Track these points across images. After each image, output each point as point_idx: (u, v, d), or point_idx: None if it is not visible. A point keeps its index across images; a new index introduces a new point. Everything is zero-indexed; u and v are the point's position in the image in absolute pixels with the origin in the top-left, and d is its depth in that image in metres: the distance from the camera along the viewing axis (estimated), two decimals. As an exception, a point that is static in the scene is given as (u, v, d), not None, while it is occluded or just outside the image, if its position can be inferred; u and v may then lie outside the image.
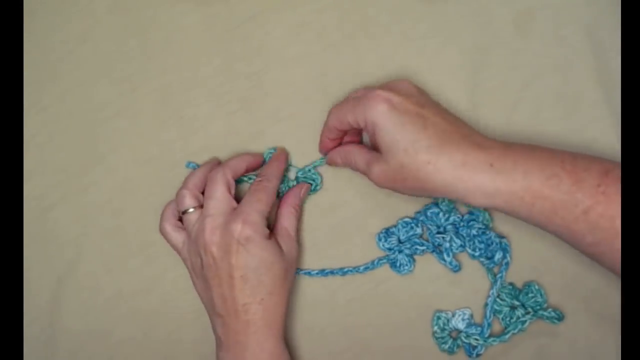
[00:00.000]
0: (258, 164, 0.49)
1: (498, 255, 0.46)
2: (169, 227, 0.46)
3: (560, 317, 0.45)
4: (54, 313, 0.50)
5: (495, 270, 0.46)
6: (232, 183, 0.46)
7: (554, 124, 0.47)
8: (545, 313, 0.45)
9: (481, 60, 0.49)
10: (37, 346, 0.50)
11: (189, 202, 0.45)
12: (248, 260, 0.43)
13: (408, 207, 0.48)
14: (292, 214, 0.47)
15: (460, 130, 0.41)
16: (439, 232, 0.47)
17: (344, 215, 0.49)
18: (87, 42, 0.52)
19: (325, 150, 0.48)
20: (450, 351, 0.46)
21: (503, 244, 0.46)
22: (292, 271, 0.46)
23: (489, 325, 0.45)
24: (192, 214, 0.45)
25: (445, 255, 0.46)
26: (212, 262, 0.43)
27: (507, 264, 0.46)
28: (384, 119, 0.40)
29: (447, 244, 0.46)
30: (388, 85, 0.43)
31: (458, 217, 0.46)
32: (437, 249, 0.47)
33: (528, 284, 0.46)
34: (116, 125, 0.51)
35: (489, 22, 0.49)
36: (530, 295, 0.46)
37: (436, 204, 0.47)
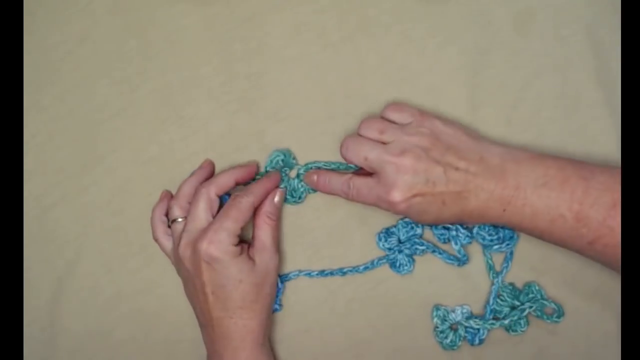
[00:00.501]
0: (251, 176, 0.48)
1: (509, 234, 0.46)
2: (161, 235, 0.47)
3: (560, 313, 0.45)
4: (53, 313, 0.50)
5: (497, 269, 0.47)
6: (215, 200, 0.46)
7: (554, 124, 0.47)
8: (546, 302, 0.45)
9: (481, 60, 0.49)
10: (37, 346, 0.50)
11: (176, 213, 0.47)
12: (215, 278, 0.43)
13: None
14: (267, 224, 0.46)
15: (474, 182, 0.41)
16: (444, 228, 0.46)
17: (343, 215, 0.49)
18: (86, 42, 0.52)
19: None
20: (453, 345, 0.46)
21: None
22: (268, 284, 0.45)
23: (491, 311, 0.46)
24: (179, 224, 0.46)
25: (453, 244, 0.46)
26: (188, 275, 0.45)
27: (511, 253, 0.46)
28: (407, 213, 0.43)
29: (454, 232, 0.46)
30: (398, 179, 0.42)
31: None
32: (438, 249, 0.47)
33: (528, 285, 0.46)
34: (116, 125, 0.51)
35: (489, 23, 0.49)
36: (530, 295, 0.46)
37: None
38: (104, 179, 0.51)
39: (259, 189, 0.46)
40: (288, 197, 0.49)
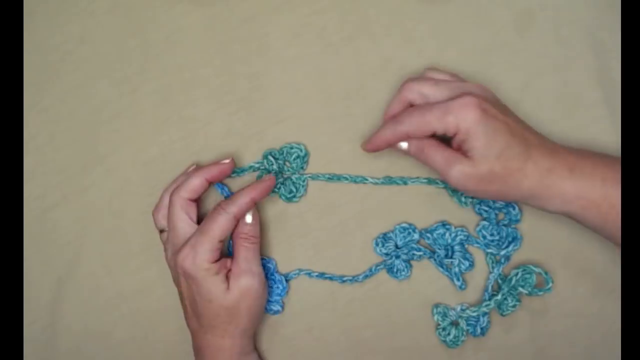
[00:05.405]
0: (225, 173, 0.46)
1: (512, 233, 0.46)
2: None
3: (549, 280, 0.45)
4: (54, 314, 0.50)
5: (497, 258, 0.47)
6: (190, 204, 0.45)
7: (554, 124, 0.47)
8: (533, 268, 0.45)
9: (481, 60, 0.49)
10: (37, 347, 0.50)
11: (161, 223, 0.47)
12: (188, 293, 0.44)
13: (406, 210, 0.48)
14: (243, 246, 0.44)
15: (536, 137, 0.41)
16: (447, 257, 0.47)
17: (344, 217, 0.49)
18: (87, 42, 0.52)
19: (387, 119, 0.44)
20: (456, 341, 0.46)
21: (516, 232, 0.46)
22: (244, 309, 0.43)
23: (490, 297, 0.46)
24: (165, 234, 0.46)
25: (455, 280, 0.46)
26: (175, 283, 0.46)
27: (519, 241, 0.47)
28: (478, 126, 0.39)
29: (457, 269, 0.46)
30: (472, 91, 0.41)
31: (465, 235, 0.46)
32: (435, 257, 0.47)
33: (518, 266, 0.46)
34: (116, 126, 0.51)
35: (489, 23, 0.49)
36: (518, 275, 0.46)
37: (442, 225, 0.47)
38: (104, 180, 0.51)
39: (243, 199, 0.43)
40: (284, 195, 0.49)
